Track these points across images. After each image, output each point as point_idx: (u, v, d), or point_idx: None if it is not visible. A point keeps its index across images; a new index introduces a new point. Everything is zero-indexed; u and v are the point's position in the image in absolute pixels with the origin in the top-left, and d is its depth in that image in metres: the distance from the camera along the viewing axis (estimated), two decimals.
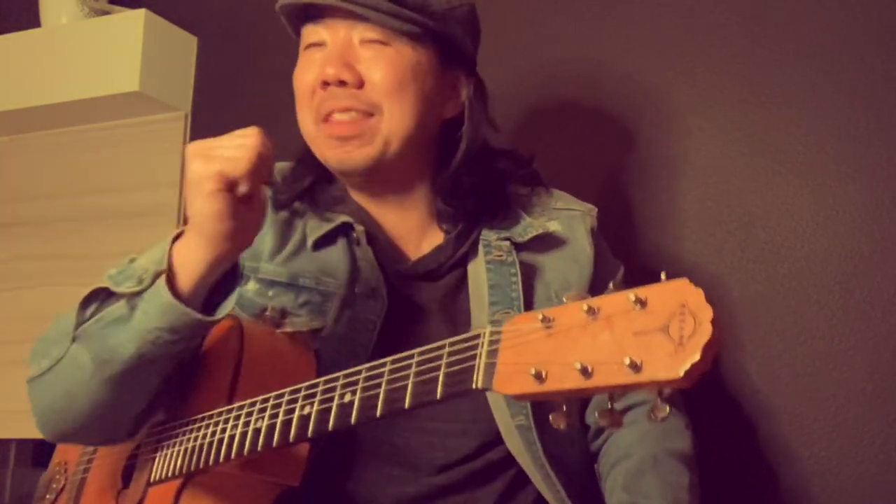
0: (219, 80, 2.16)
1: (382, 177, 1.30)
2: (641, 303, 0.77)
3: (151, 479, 1.17)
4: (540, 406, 1.23)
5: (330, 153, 1.28)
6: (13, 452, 2.21)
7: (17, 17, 2.30)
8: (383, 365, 0.98)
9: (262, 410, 1.07)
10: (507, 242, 1.32)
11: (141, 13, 2.08)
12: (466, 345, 0.90)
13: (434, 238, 1.34)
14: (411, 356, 0.95)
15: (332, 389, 1.02)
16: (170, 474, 1.14)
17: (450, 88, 1.33)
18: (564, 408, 0.84)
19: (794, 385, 1.59)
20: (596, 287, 1.34)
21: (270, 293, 1.27)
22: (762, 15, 1.71)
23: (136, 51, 2.05)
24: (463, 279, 1.31)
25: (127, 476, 1.24)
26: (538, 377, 0.81)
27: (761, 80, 1.69)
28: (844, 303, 1.58)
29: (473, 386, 0.88)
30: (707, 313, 0.74)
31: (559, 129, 1.82)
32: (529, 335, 0.84)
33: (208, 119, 2.14)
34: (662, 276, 0.79)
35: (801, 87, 1.66)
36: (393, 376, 0.96)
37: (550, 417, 0.84)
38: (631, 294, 0.78)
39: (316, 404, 1.02)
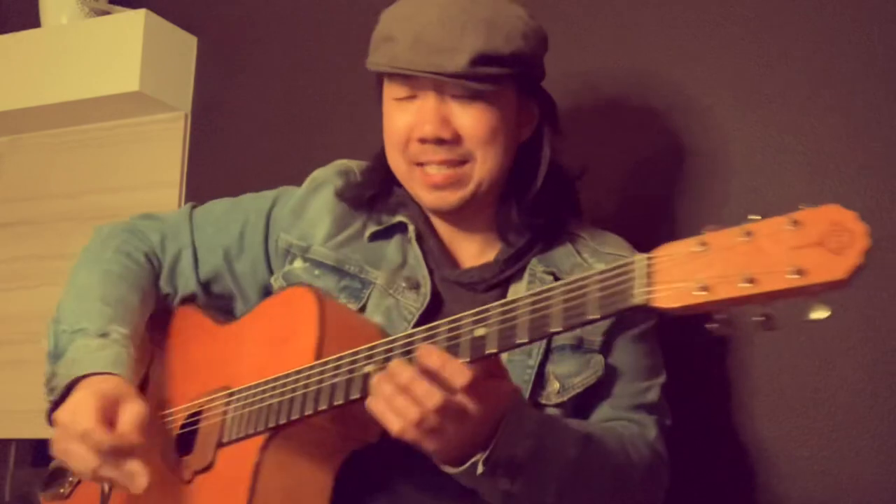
0: (219, 80, 2.15)
1: (467, 209, 1.34)
2: (796, 223, 0.82)
3: (223, 440, 1.20)
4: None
5: (425, 196, 1.33)
6: (13, 452, 2.20)
7: (17, 17, 2.30)
8: (520, 299, 0.99)
9: (371, 357, 1.10)
10: (552, 277, 1.34)
11: (141, 13, 2.08)
12: (618, 270, 0.92)
13: (488, 253, 1.37)
14: (552, 288, 0.97)
15: (459, 328, 1.03)
16: (250, 431, 1.17)
17: (526, 115, 1.36)
18: (724, 316, 0.86)
19: (794, 385, 1.59)
20: (616, 329, 1.33)
21: (316, 272, 1.35)
22: (762, 15, 1.71)
23: (136, 51, 2.05)
24: (503, 297, 1.32)
25: (184, 445, 1.26)
26: (703, 289, 0.84)
27: (761, 79, 1.69)
28: (844, 303, 1.58)
29: (632, 302, 0.89)
30: (861, 227, 0.80)
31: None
32: (686, 255, 0.87)
33: (208, 119, 2.14)
34: (801, 206, 0.83)
35: (800, 87, 1.66)
36: (536, 306, 0.97)
37: (708, 327, 0.87)
38: (785, 218, 0.83)
39: (442, 342, 1.03)
